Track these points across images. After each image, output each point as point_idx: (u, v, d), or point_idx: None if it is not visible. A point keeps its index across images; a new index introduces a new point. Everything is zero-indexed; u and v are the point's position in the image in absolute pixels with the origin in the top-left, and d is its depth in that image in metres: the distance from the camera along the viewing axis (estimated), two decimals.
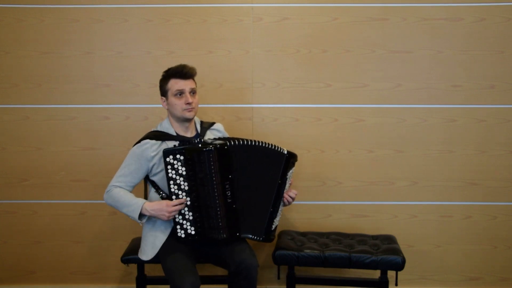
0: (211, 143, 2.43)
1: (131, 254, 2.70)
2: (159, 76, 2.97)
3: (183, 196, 2.42)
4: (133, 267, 2.87)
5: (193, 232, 2.45)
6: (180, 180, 2.41)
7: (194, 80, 2.55)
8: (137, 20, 3.03)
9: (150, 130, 2.60)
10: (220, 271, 3.10)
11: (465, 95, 3.03)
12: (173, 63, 2.55)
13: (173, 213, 2.41)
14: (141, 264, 2.74)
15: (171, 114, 2.55)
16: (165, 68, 2.56)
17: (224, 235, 2.45)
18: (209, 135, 2.63)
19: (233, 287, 2.45)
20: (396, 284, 2.75)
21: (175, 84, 2.49)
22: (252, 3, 3.01)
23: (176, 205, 2.40)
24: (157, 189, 2.53)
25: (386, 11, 3.00)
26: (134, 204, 2.45)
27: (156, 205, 2.43)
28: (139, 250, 2.63)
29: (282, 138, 3.06)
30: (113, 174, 2.56)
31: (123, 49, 3.04)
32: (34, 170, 3.12)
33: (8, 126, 3.10)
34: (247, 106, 3.08)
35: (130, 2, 3.02)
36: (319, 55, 3.03)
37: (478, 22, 2.99)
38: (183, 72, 2.49)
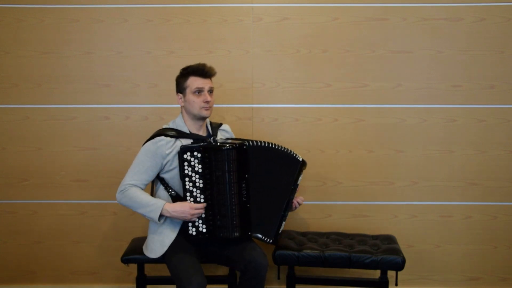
0: (226, 143, 2.45)
1: (131, 254, 2.70)
2: (159, 76, 2.97)
3: (197, 193, 2.43)
4: (133, 267, 2.87)
5: (204, 230, 2.46)
6: (195, 177, 2.42)
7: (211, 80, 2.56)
8: (137, 20, 3.03)
9: (161, 127, 2.58)
10: (220, 271, 3.11)
11: (465, 95, 3.03)
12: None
13: (195, 216, 2.42)
14: (141, 264, 2.73)
15: (187, 111, 2.54)
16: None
17: (237, 234, 2.46)
18: (219, 135, 2.65)
19: (240, 286, 2.45)
20: (396, 284, 2.75)
21: (194, 82, 2.49)
22: (252, 3, 3.01)
23: (200, 208, 2.41)
24: (166, 186, 2.52)
25: (386, 11, 3.00)
26: (153, 204, 2.43)
27: (179, 207, 2.42)
28: (145, 248, 2.61)
29: (282, 138, 3.06)
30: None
31: (123, 49, 3.04)
32: (34, 170, 3.12)
33: (8, 126, 3.10)
34: (247, 106, 3.08)
35: (130, 2, 3.02)
36: (319, 55, 3.03)
37: (478, 22, 2.99)
38: (204, 71, 2.51)
